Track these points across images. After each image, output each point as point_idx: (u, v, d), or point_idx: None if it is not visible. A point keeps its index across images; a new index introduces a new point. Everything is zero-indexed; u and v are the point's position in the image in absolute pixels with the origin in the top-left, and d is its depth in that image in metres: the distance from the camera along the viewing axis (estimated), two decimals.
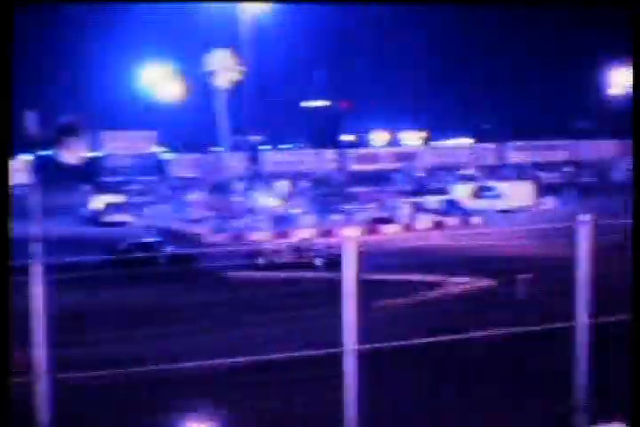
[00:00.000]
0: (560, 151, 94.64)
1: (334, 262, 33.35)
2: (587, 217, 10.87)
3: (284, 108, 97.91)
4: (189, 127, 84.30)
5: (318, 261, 37.99)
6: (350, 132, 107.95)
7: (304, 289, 31.85)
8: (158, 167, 74.93)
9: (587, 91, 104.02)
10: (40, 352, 9.22)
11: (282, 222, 55.86)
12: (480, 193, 65.34)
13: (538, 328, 12.36)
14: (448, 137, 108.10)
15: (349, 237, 11.24)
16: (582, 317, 10.76)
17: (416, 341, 11.62)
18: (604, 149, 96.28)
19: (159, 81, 75.28)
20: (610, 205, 56.95)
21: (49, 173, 57.38)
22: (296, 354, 12.00)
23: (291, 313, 26.96)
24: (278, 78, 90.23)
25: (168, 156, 79.36)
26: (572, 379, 10.78)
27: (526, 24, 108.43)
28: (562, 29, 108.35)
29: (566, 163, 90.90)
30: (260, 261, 38.81)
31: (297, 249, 39.80)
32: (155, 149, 76.71)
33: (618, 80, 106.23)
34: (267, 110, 76.61)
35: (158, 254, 37.96)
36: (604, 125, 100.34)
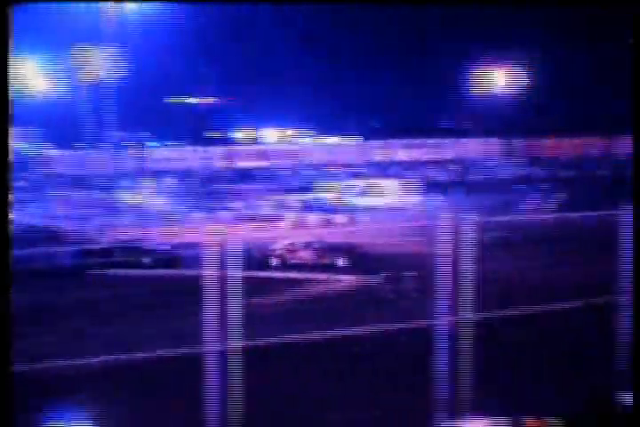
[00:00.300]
0: (444, 149, 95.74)
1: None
2: (470, 215, 10.96)
3: (171, 105, 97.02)
4: (71, 124, 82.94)
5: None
6: (239, 129, 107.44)
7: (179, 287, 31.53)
8: (39, 164, 73.58)
9: (469, 90, 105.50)
10: None
11: (168, 220, 55.33)
12: (367, 191, 65.74)
13: (411, 325, 12.43)
14: (336, 135, 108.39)
15: (226, 236, 11.14)
16: (465, 313, 10.83)
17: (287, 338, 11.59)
18: (486, 147, 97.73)
19: (32, 77, 73.82)
20: (494, 202, 58.15)
21: None
22: (162, 352, 11.83)
23: (164, 312, 26.71)
24: (164, 74, 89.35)
25: (52, 152, 77.98)
26: (433, 374, 10.86)
27: (408, 24, 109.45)
28: (435, 30, 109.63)
29: (450, 161, 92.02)
30: (145, 260, 38.35)
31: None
32: (33, 145, 75.30)
33: (503, 79, 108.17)
34: (153, 107, 75.83)
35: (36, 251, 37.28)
36: (485, 124, 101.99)
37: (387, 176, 74.85)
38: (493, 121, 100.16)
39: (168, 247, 39.71)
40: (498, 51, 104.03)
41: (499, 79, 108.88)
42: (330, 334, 11.85)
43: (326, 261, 36.25)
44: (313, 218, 56.92)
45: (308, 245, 36.76)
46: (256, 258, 33.21)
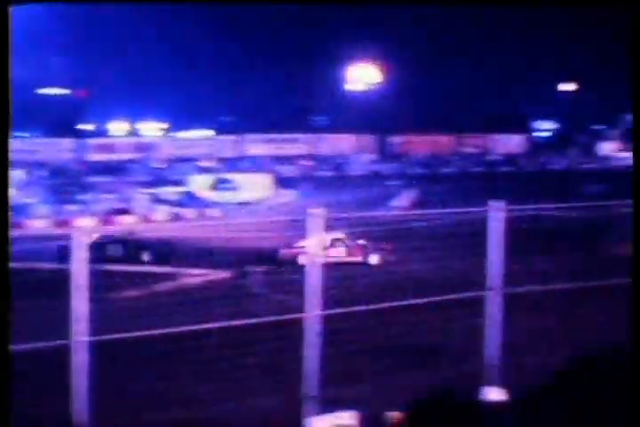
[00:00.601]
0: (298, 144, 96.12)
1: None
2: (318, 210, 10.85)
3: (20, 96, 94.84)
4: None
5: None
6: (89, 122, 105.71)
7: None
8: None
9: (324, 86, 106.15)
10: None
11: (15, 212, 54.00)
12: (218, 185, 65.49)
13: (271, 319, 12.27)
14: (188, 128, 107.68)
15: (79, 229, 10.79)
16: (314, 309, 10.73)
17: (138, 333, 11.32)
18: (341, 143, 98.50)
19: None
20: (347, 198, 58.64)
21: None
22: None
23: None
24: (14, 64, 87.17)
25: None
26: (301, 369, 10.75)
27: (269, 22, 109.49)
28: (296, 28, 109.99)
29: (304, 156, 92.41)
30: None
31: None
32: None
33: (354, 76, 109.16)
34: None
35: None
36: (341, 120, 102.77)
37: (240, 171, 74.70)
38: (350, 117, 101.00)
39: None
40: (359, 49, 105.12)
41: (357, 76, 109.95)
42: (179, 329, 11.60)
43: (133, 255, 36.10)
44: (162, 212, 56.36)
45: (116, 240, 36.32)
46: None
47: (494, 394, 8.40)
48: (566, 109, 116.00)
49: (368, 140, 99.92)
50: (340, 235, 33.07)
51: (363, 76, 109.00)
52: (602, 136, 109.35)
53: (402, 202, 58.17)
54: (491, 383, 10.33)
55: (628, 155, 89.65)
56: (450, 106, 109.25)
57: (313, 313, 10.72)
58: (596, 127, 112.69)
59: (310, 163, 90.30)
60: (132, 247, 37.28)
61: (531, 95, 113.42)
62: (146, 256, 36.97)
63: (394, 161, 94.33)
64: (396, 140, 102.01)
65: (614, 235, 23.72)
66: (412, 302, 12.52)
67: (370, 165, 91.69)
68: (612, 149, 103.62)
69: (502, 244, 11.89)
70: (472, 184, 66.87)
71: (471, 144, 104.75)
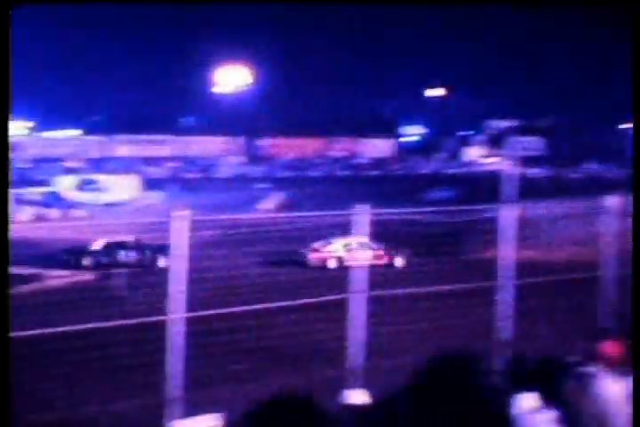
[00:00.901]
0: (166, 146, 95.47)
1: None
2: (183, 212, 10.78)
3: None
4: None
5: None
6: None
7: None
8: None
9: (194, 88, 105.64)
10: None
11: None
12: (84, 186, 64.55)
13: (133, 321, 12.15)
14: (55, 128, 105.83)
15: None
16: (177, 311, 10.65)
17: None
18: (209, 145, 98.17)
19: None
20: (214, 200, 58.37)
21: None
22: None
23: None
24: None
25: None
26: (164, 372, 10.65)
27: (153, 21, 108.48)
28: (166, 27, 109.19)
29: (172, 158, 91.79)
30: None
31: None
32: None
33: (223, 78, 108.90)
34: None
35: None
36: (209, 122, 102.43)
37: (106, 171, 73.74)
38: (219, 119, 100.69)
39: None
40: (229, 51, 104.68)
41: (226, 78, 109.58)
42: (36, 332, 11.37)
43: None
44: (26, 212, 55.16)
45: None
46: None
47: (356, 397, 8.44)
48: (434, 115, 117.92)
49: (236, 142, 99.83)
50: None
51: (232, 78, 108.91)
52: (468, 142, 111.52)
53: (269, 205, 58.26)
54: (353, 386, 10.39)
55: (493, 160, 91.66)
56: (319, 110, 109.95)
57: (176, 315, 10.64)
58: (462, 133, 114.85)
59: (178, 164, 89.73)
60: None
61: (400, 100, 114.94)
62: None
63: (262, 164, 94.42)
64: (264, 142, 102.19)
65: (475, 238, 24.20)
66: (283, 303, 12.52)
67: (238, 168, 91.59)
68: (476, 155, 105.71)
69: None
70: (339, 187, 67.44)
71: (339, 148, 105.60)
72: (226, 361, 14.73)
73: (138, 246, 34.59)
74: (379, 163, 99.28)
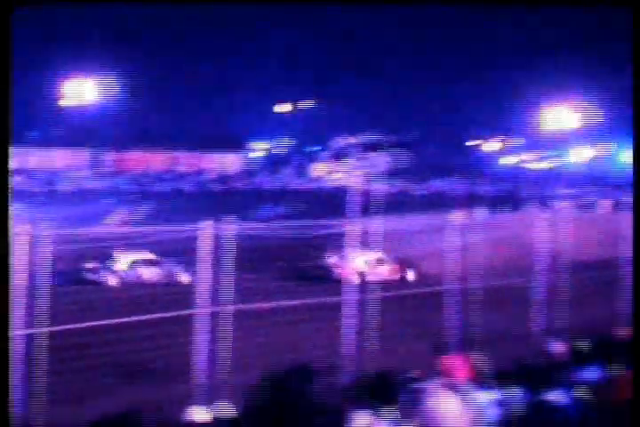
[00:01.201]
0: (29, 158, 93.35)
1: None
2: (25, 227, 10.60)
3: None
4: None
5: None
6: None
7: None
8: None
9: (39, 100, 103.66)
10: None
11: None
12: None
13: None
14: None
15: None
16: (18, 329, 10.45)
17: None
18: (54, 158, 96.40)
19: None
20: (59, 214, 57.16)
21: None
22: None
23: None
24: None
25: None
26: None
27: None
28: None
29: (14, 171, 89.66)
30: None
31: None
32: None
33: (70, 91, 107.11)
34: None
35: None
36: (54, 135, 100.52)
37: None
38: (65, 132, 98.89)
39: None
40: (77, 63, 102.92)
41: (73, 91, 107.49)
42: None
43: None
44: None
45: None
46: None
47: (198, 413, 8.42)
48: (282, 130, 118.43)
49: (82, 155, 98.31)
50: (379, 254, 32.28)
51: (79, 91, 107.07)
52: (315, 157, 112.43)
53: (114, 219, 57.54)
54: (198, 402, 10.36)
55: (338, 176, 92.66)
56: (165, 124, 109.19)
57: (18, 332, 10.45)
58: (310, 149, 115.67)
59: (19, 178, 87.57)
60: None
61: (248, 115, 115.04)
62: None
63: (107, 178, 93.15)
64: (110, 156, 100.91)
65: (317, 253, 24.40)
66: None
67: (83, 182, 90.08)
68: (322, 170, 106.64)
69: (210, 261, 11.97)
70: (184, 202, 67.11)
71: (185, 162, 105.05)
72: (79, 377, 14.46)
73: None
74: (225, 178, 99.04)
